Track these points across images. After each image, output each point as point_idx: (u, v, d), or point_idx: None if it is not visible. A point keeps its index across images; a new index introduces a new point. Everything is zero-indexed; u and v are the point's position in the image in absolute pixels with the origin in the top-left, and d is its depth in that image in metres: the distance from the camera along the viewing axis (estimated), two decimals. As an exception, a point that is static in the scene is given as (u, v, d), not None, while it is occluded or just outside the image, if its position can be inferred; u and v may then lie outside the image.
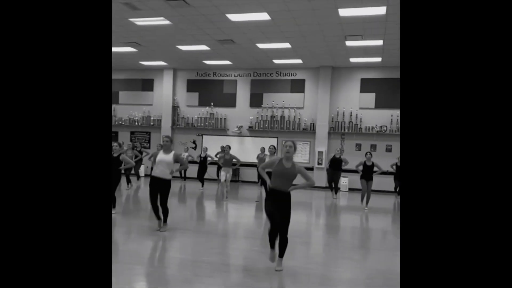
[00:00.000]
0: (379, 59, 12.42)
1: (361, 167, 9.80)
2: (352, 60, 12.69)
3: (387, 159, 12.76)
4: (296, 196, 4.48)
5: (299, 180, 4.41)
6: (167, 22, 9.45)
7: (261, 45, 11.31)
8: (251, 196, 11.32)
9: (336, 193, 11.63)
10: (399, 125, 12.71)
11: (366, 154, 9.90)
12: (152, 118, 15.81)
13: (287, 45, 11.15)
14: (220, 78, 15.11)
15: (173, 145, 14.04)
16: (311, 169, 13.86)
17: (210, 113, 15.16)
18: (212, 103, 15.10)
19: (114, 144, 7.71)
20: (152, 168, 7.12)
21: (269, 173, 4.61)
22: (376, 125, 13.50)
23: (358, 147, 13.76)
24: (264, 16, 8.74)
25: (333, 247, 6.03)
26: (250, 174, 14.37)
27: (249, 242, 6.04)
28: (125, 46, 12.16)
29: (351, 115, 13.80)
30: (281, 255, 4.48)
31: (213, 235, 6.38)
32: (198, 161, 12.85)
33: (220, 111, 15.08)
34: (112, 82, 14.68)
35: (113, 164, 7.55)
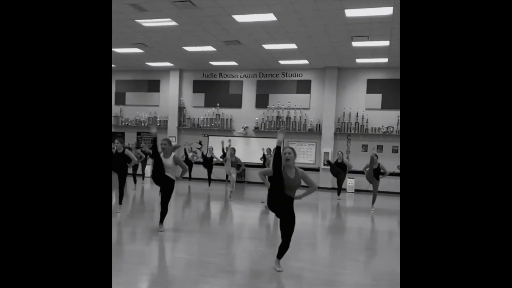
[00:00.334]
0: (385, 60, 12.37)
1: (367, 169, 9.77)
2: (358, 60, 12.65)
3: (394, 160, 12.70)
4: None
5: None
6: (173, 23, 9.49)
7: (267, 46, 11.31)
8: (257, 197, 11.31)
9: (338, 194, 11.59)
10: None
11: (372, 156, 9.81)
12: (158, 119, 15.87)
13: (293, 46, 11.14)
14: (226, 79, 15.14)
15: (177, 143, 14.12)
16: (317, 170, 13.83)
17: (216, 114, 15.18)
18: (218, 104, 15.13)
19: (116, 141, 7.76)
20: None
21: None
22: (382, 126, 13.44)
23: (364, 148, 13.71)
24: (270, 17, 8.74)
25: (338, 249, 6.01)
26: (256, 175, 14.33)
27: (254, 243, 6.04)
28: (131, 47, 12.22)
29: (357, 116, 13.75)
30: (280, 256, 4.49)
31: (219, 235, 6.39)
32: (203, 160, 12.88)
33: (226, 112, 15.10)
34: (119, 83, 14.69)
35: (120, 160, 7.60)
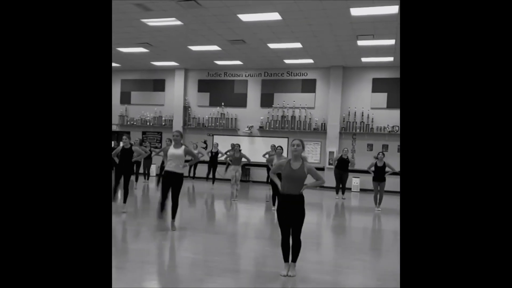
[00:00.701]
0: (391, 59, 12.31)
1: (372, 168, 9.70)
2: (364, 59, 12.60)
3: (399, 159, 12.63)
4: (306, 197, 4.44)
5: (309, 179, 4.37)
6: (178, 22, 9.50)
7: (272, 45, 11.30)
8: (261, 196, 11.32)
9: (343, 193, 11.56)
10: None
11: (378, 154, 9.78)
12: (163, 118, 15.91)
13: (298, 45, 11.12)
14: (231, 78, 15.14)
15: (183, 139, 14.13)
16: (322, 169, 13.80)
17: (221, 113, 15.20)
18: (223, 103, 15.14)
19: (124, 136, 7.90)
20: (162, 163, 7.18)
21: (279, 175, 4.55)
22: (388, 125, 13.39)
23: (370, 147, 13.66)
24: (275, 16, 8.73)
25: (344, 248, 6.00)
26: (261, 174, 14.37)
27: (259, 242, 6.04)
28: (137, 47, 12.26)
29: (362, 115, 13.71)
30: (294, 259, 4.38)
31: (224, 235, 6.40)
32: (209, 156, 12.90)
33: (231, 111, 15.11)
34: (124, 82, 14.72)
35: (127, 156, 7.67)
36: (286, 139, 14.12)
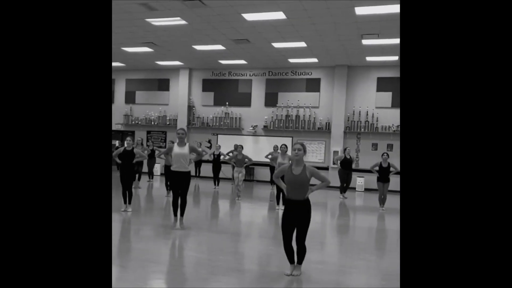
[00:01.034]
0: (396, 58, 12.26)
1: (377, 168, 9.67)
2: (368, 58, 12.56)
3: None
4: (311, 196, 4.43)
5: (313, 181, 4.34)
6: (183, 22, 9.51)
7: (276, 45, 11.29)
8: (265, 196, 11.32)
9: (345, 191, 11.53)
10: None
11: (382, 155, 9.74)
12: (168, 118, 15.95)
13: (302, 44, 11.10)
14: (235, 77, 15.15)
15: (188, 139, 14.17)
16: (326, 168, 13.78)
17: (225, 113, 15.21)
18: (227, 103, 15.15)
19: (128, 138, 7.95)
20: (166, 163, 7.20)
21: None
22: (392, 125, 13.33)
23: (375, 146, 13.62)
24: (279, 15, 8.72)
25: (348, 248, 5.98)
26: (264, 174, 14.37)
27: (263, 242, 6.04)
28: (141, 46, 12.29)
29: (367, 115, 13.66)
30: (300, 262, 4.38)
31: (228, 234, 6.41)
32: (212, 159, 12.92)
33: (235, 111, 15.12)
34: (129, 82, 14.79)
35: (129, 157, 7.71)
36: (290, 138, 14.11)
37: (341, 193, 11.55)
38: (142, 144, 12.43)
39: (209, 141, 15.36)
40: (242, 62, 13.88)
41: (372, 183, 12.25)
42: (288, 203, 4.30)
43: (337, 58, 12.67)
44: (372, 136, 13.66)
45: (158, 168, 14.92)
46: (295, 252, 4.35)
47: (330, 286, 4.17)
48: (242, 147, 10.71)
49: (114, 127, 16.55)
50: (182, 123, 15.51)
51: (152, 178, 13.73)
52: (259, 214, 8.80)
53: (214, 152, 13.02)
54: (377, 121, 13.55)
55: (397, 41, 10.35)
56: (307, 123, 14.20)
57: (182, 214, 6.46)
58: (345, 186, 11.55)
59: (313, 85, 14.23)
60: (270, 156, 11.10)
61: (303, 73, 14.31)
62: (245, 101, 15.03)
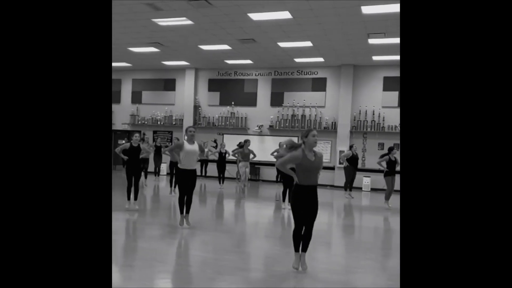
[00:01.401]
0: (402, 57, 12.19)
1: (384, 163, 9.60)
2: (375, 58, 12.50)
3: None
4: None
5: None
6: (189, 22, 9.54)
7: (282, 44, 11.28)
8: (271, 195, 11.31)
9: (350, 189, 11.49)
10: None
11: (391, 149, 9.65)
12: (174, 118, 16.00)
13: (308, 43, 11.08)
14: (241, 77, 15.16)
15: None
16: (332, 168, 13.74)
17: (231, 113, 15.22)
18: (233, 102, 15.16)
19: (136, 135, 8.00)
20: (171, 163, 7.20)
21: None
22: (399, 124, 13.27)
23: (381, 146, 13.55)
24: (285, 15, 8.71)
25: (354, 248, 5.96)
26: (270, 173, 14.37)
27: (269, 241, 6.04)
28: (147, 46, 12.34)
29: (373, 114, 13.60)
30: (305, 249, 4.46)
31: (233, 234, 6.41)
32: (218, 157, 12.93)
33: (241, 110, 15.13)
34: (135, 82, 14.86)
35: (136, 154, 7.78)
36: (297, 138, 14.08)
37: (345, 190, 11.51)
38: (143, 139, 12.48)
39: (215, 141, 15.38)
40: (248, 61, 13.88)
41: (379, 183, 12.20)
42: (302, 189, 4.34)
43: (343, 57, 12.63)
44: (379, 136, 13.60)
45: (164, 167, 14.96)
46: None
47: (337, 285, 4.16)
48: (249, 142, 10.74)
49: (121, 127, 16.64)
50: (188, 123, 15.55)
51: (159, 176, 13.75)
52: (265, 214, 8.80)
53: (220, 150, 13.04)
54: (383, 120, 13.48)
55: (403, 40, 10.29)
56: (313, 123, 14.17)
57: (188, 211, 6.50)
58: (350, 183, 11.50)
59: (319, 85, 14.19)
60: (276, 154, 11.08)
61: (309, 73, 14.28)
62: (251, 100, 15.03)
